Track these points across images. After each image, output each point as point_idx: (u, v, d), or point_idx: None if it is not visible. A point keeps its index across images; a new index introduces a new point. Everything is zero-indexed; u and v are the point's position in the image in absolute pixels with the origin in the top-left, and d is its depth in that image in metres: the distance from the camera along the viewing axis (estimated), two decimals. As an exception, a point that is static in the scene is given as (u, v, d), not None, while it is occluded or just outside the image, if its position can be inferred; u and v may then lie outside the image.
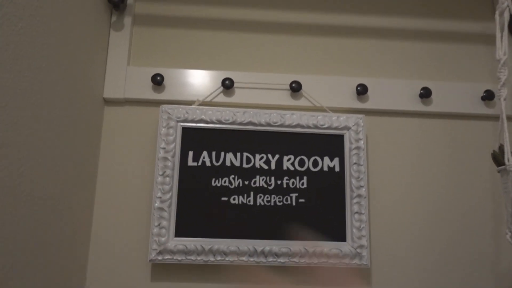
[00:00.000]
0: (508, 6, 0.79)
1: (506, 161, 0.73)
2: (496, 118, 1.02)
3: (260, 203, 0.93)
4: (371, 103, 1.01)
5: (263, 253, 0.89)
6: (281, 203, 0.93)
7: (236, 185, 0.93)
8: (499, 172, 0.77)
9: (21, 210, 0.64)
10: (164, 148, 0.92)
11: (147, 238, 0.92)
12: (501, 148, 0.77)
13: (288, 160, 0.95)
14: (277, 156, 0.95)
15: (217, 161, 0.94)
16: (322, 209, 0.93)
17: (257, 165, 0.95)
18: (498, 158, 0.78)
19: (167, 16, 1.05)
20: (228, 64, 1.03)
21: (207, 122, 0.95)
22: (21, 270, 0.65)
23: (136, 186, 0.95)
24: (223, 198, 0.92)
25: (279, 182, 0.94)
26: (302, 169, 0.95)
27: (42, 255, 0.71)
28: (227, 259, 0.89)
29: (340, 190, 0.94)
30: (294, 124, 0.96)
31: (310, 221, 0.92)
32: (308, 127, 0.96)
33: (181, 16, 1.05)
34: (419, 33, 1.09)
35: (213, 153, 0.94)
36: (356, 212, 0.92)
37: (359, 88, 1.00)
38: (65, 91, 0.78)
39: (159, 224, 0.89)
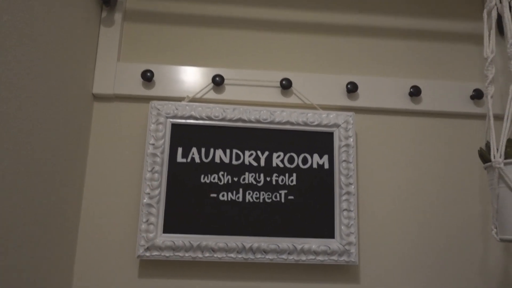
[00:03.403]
0: (496, 5, 0.80)
1: (492, 158, 0.73)
2: (484, 117, 1.02)
3: (249, 200, 0.93)
4: (361, 101, 1.02)
5: (251, 250, 0.89)
6: (270, 199, 0.93)
7: (225, 182, 0.93)
8: (485, 169, 0.78)
9: (7, 205, 0.63)
10: (153, 144, 0.92)
11: (135, 234, 0.92)
12: (488, 145, 0.78)
13: (278, 157, 0.95)
14: (266, 153, 0.95)
15: (206, 157, 0.94)
16: (311, 206, 0.93)
17: (246, 162, 0.95)
18: (484, 155, 0.78)
19: (158, 12, 1.05)
20: (219, 61, 1.03)
21: (196, 119, 0.95)
22: (7, 265, 0.64)
23: (125, 182, 0.95)
24: (212, 195, 0.92)
25: (268, 179, 0.94)
26: (292, 166, 0.95)
27: (29, 250, 0.71)
28: (215, 255, 0.89)
29: (329, 187, 0.94)
30: (284, 121, 0.96)
31: (298, 218, 0.92)
32: (298, 124, 0.97)
33: (172, 13, 1.05)
34: (409, 32, 1.10)
35: (203, 150, 0.94)
36: (345, 209, 0.93)
37: (349, 86, 1.01)
38: (53, 86, 0.78)
39: (147, 220, 0.89)
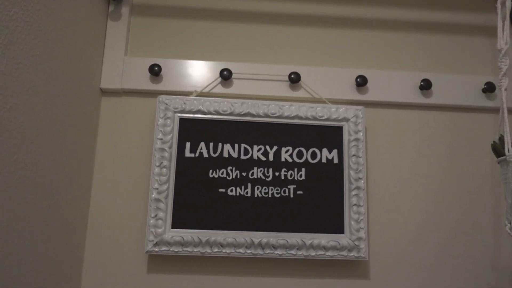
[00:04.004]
0: (510, -5, 0.78)
1: (506, 151, 0.72)
2: (496, 110, 1.01)
3: (257, 195, 0.92)
4: (370, 95, 1.00)
5: (260, 245, 0.89)
6: (279, 195, 0.92)
7: (234, 177, 0.93)
8: (498, 163, 0.76)
9: (16, 200, 0.63)
10: (161, 139, 0.92)
11: (143, 229, 0.91)
12: (501, 139, 0.76)
13: (286, 151, 0.95)
14: (275, 148, 0.94)
15: (214, 152, 0.93)
16: (320, 201, 0.92)
17: (255, 157, 0.94)
18: (498, 149, 0.77)
19: (165, 6, 1.04)
20: (227, 55, 1.03)
21: (204, 113, 0.94)
22: (17, 260, 0.64)
23: (133, 177, 0.95)
24: (220, 190, 0.92)
25: (277, 173, 0.93)
26: (300, 161, 0.94)
27: (38, 246, 0.71)
28: (224, 251, 0.88)
29: (339, 182, 0.93)
30: (292, 115, 0.95)
31: (308, 213, 0.92)
32: (307, 118, 0.96)
33: (179, 6, 1.04)
34: (419, 24, 1.08)
35: (211, 144, 0.93)
36: (355, 204, 0.92)
37: (358, 79, 0.99)
38: (61, 80, 0.77)
39: (156, 215, 0.88)
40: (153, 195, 0.89)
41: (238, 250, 0.88)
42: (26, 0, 0.64)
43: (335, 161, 0.95)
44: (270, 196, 0.92)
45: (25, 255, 0.67)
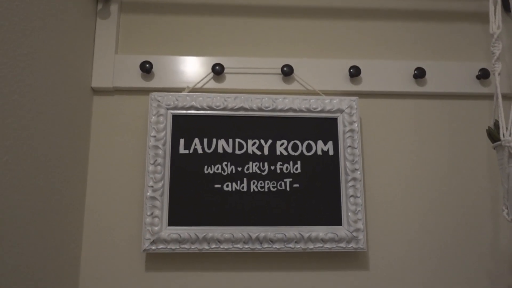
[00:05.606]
0: (500, -21, 0.77)
1: (501, 136, 0.71)
2: (491, 97, 1.00)
3: (254, 189, 0.91)
4: (364, 85, 1.00)
5: (258, 240, 0.88)
6: (275, 188, 0.92)
7: (229, 172, 0.92)
8: (494, 148, 0.76)
9: (9, 202, 0.62)
10: (154, 136, 0.91)
11: (140, 228, 0.91)
12: (496, 124, 0.76)
13: (281, 145, 0.94)
14: (270, 141, 0.94)
15: (209, 148, 0.93)
16: (317, 193, 0.92)
17: (249, 151, 0.93)
18: (493, 134, 0.76)
19: (155, 3, 1.03)
20: (218, 50, 1.02)
21: (197, 109, 0.93)
22: (13, 262, 0.63)
23: (128, 176, 0.94)
24: (216, 185, 0.91)
25: (272, 167, 0.93)
26: (296, 154, 0.94)
27: (34, 247, 0.70)
28: (221, 247, 0.88)
29: (335, 174, 0.93)
30: (286, 108, 0.95)
31: (305, 206, 0.91)
32: (301, 111, 0.95)
33: (169, 2, 1.03)
34: (411, 13, 1.07)
35: (205, 140, 0.93)
36: (352, 196, 0.91)
37: (352, 70, 0.98)
38: (52, 81, 0.76)
39: (151, 214, 0.88)
40: (148, 193, 0.88)
41: (236, 246, 0.88)
42: (15, 1, 0.63)
43: (331, 153, 0.94)
44: (266, 190, 0.92)
45: (22, 256, 0.66)
